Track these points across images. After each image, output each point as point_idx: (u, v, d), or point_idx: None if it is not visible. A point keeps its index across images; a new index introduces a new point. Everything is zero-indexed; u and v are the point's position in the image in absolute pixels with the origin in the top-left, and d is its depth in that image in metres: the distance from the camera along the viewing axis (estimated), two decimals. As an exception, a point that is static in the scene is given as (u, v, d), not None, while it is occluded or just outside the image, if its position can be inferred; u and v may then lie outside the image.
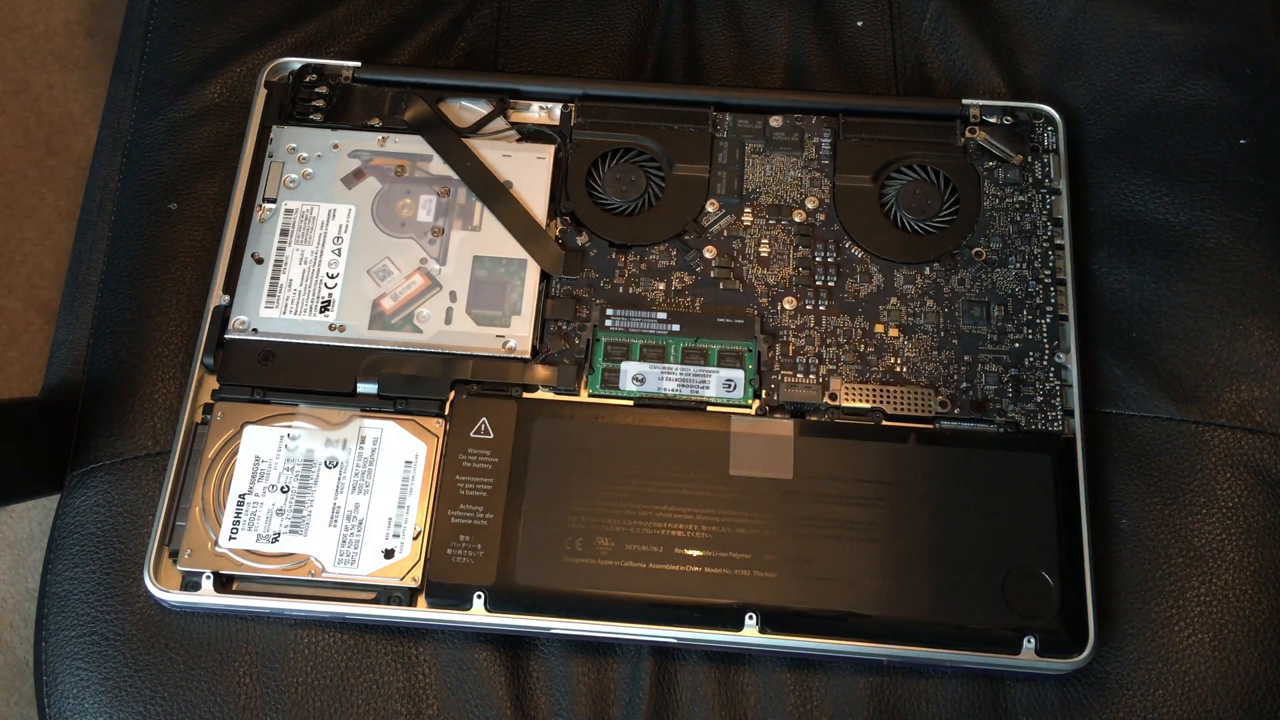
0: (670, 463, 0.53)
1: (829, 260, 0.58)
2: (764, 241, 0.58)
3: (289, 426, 0.54)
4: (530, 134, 0.61)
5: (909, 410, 0.54)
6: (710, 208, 0.59)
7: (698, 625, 0.51)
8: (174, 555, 0.53)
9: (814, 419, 0.54)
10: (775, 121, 0.60)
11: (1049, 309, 0.56)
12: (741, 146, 0.60)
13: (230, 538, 0.52)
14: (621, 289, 0.57)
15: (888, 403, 0.55)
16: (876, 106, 0.61)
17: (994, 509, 0.52)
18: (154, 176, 0.62)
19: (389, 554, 0.52)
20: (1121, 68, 0.62)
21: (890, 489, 0.52)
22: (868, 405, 0.55)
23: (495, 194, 0.58)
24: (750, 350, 0.56)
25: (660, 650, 0.53)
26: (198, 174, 0.62)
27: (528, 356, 0.55)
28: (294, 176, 0.59)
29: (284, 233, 0.58)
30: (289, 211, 0.58)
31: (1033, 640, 0.50)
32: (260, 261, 0.57)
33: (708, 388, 0.55)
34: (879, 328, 0.56)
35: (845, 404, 0.55)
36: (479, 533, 0.52)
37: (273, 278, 0.57)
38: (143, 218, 0.62)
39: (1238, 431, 0.55)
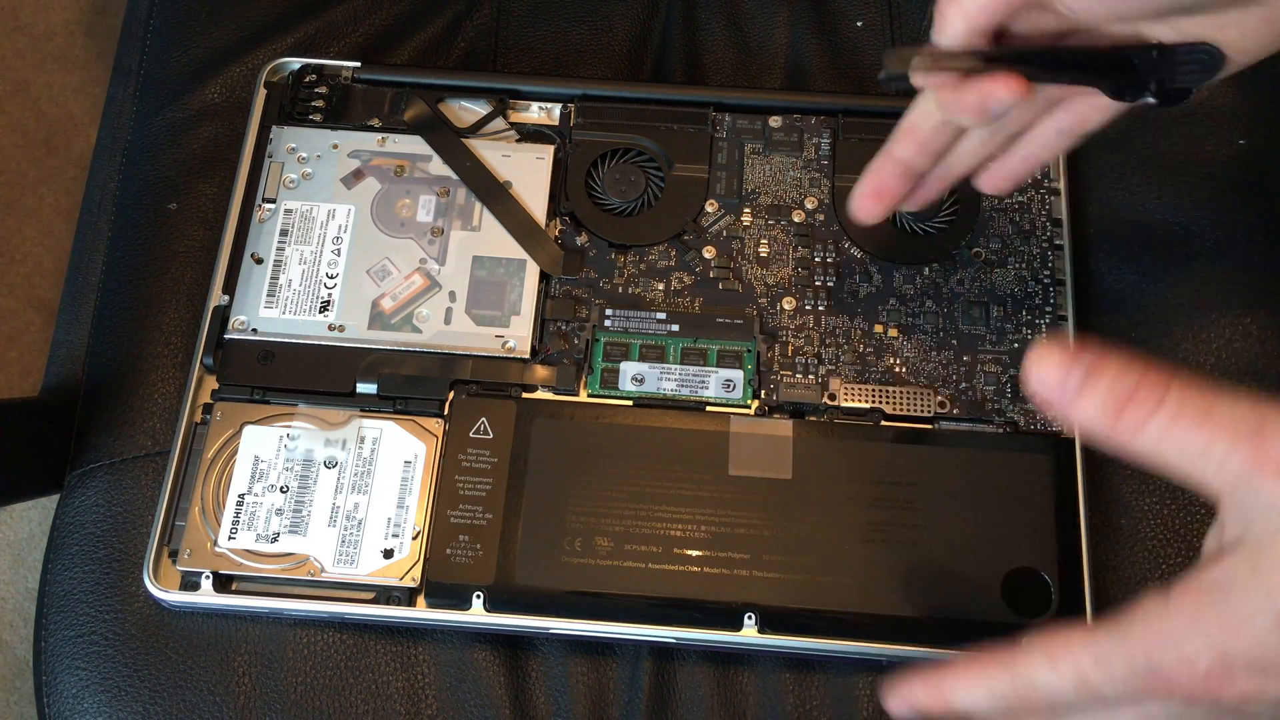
0: (669, 463, 0.53)
1: (828, 260, 0.58)
2: (763, 242, 0.58)
3: (288, 426, 0.54)
4: (530, 134, 0.61)
5: (908, 410, 0.54)
6: (709, 208, 0.59)
7: (697, 625, 0.51)
8: (173, 555, 0.53)
9: (813, 419, 0.54)
10: (775, 122, 0.60)
11: (1048, 309, 0.56)
12: (741, 147, 0.60)
13: (229, 538, 0.52)
14: (621, 289, 0.57)
15: (887, 403, 0.55)
16: (876, 107, 0.60)
17: (993, 509, 0.52)
18: (154, 176, 0.62)
19: (388, 554, 0.52)
20: (1121, 68, 0.62)
21: (889, 489, 0.52)
22: (867, 405, 0.55)
23: (494, 194, 0.58)
24: (749, 350, 0.56)
25: (659, 650, 0.53)
26: (197, 174, 0.62)
27: (527, 356, 0.55)
28: (293, 177, 0.59)
29: (283, 233, 0.58)
30: (288, 211, 0.58)
31: (1032, 640, 0.50)
32: (260, 261, 0.57)
33: (707, 388, 0.55)
34: (878, 328, 0.56)
35: (844, 404, 0.55)
36: (478, 533, 0.52)
37: (272, 278, 0.57)
38: (142, 218, 0.62)
39: (1237, 432, 0.55)
